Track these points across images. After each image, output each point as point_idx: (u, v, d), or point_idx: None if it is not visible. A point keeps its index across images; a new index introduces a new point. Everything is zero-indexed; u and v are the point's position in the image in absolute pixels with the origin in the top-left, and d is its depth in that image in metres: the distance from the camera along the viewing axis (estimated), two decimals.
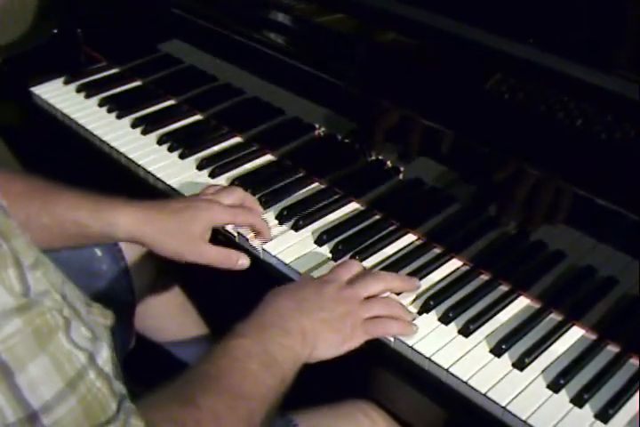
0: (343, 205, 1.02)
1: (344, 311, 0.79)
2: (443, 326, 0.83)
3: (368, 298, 0.82)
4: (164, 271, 1.22)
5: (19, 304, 0.52)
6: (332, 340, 0.78)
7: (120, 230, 0.86)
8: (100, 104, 1.26)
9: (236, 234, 0.96)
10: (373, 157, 0.98)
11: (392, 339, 0.81)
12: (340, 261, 0.91)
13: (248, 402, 0.68)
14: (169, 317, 1.27)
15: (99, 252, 1.06)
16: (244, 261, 0.89)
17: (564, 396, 0.75)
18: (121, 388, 0.60)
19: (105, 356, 0.62)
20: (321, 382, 0.79)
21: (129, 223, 0.85)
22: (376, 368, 0.80)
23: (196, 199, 0.92)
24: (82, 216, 0.85)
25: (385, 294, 0.85)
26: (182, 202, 0.91)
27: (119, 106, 1.24)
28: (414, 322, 0.82)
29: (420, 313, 0.84)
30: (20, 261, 0.55)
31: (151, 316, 1.22)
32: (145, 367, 1.15)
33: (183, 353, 1.35)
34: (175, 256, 0.88)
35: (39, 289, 0.56)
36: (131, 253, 1.11)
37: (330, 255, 0.93)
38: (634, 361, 0.79)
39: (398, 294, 0.86)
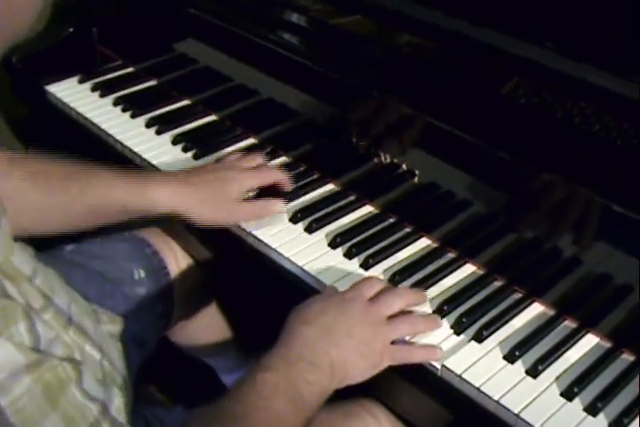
0: (358, 208, 1.01)
1: (371, 335, 0.77)
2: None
3: (391, 316, 0.80)
4: (202, 283, 1.20)
5: (28, 362, 0.51)
6: (360, 366, 0.77)
7: (160, 206, 0.91)
8: (115, 103, 1.26)
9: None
10: (389, 160, 0.97)
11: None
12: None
13: None
14: (202, 326, 1.27)
15: (142, 272, 1.06)
16: (279, 207, 0.96)
17: (577, 404, 0.75)
18: None
19: (118, 404, 0.61)
20: None
21: (168, 198, 0.90)
22: (384, 369, 0.80)
23: (222, 168, 0.98)
24: (121, 195, 0.89)
25: None
26: (211, 172, 0.96)
27: (134, 105, 1.25)
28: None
29: None
30: (30, 307, 0.54)
31: (183, 324, 1.21)
32: (171, 375, 1.15)
33: (210, 361, 1.35)
34: (214, 223, 0.94)
35: (49, 336, 0.56)
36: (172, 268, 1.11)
37: (344, 258, 0.92)
38: None
39: None
